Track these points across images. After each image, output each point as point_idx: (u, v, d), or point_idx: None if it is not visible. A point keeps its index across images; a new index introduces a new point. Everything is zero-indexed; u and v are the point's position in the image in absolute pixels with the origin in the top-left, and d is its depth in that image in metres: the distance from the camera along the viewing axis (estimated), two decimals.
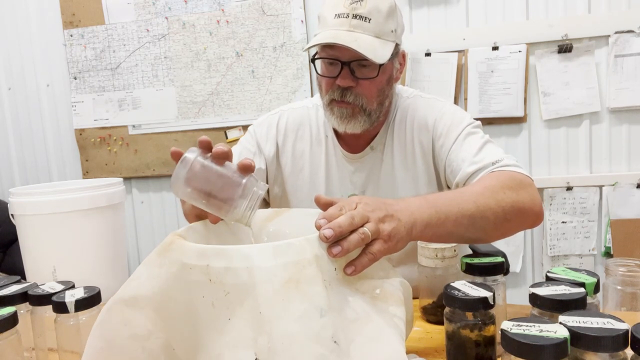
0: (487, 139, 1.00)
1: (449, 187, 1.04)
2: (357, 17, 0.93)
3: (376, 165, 1.09)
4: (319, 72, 1.02)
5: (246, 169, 0.66)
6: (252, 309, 0.53)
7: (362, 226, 0.60)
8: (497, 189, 0.82)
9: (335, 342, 0.52)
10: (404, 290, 0.65)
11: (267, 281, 0.53)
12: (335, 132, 1.10)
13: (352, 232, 0.59)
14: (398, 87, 1.13)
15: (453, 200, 0.77)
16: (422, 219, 0.69)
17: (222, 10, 2.07)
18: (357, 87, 0.97)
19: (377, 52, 0.93)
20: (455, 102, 1.89)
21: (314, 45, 0.96)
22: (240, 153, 1.11)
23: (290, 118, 1.15)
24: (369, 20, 0.93)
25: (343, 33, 0.92)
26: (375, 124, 1.04)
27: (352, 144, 1.10)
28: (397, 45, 0.99)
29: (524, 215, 0.84)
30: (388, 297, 0.62)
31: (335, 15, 0.94)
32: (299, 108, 1.17)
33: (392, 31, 0.96)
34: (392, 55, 0.96)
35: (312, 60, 1.01)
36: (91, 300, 0.70)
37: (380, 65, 0.94)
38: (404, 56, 1.06)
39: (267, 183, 1.14)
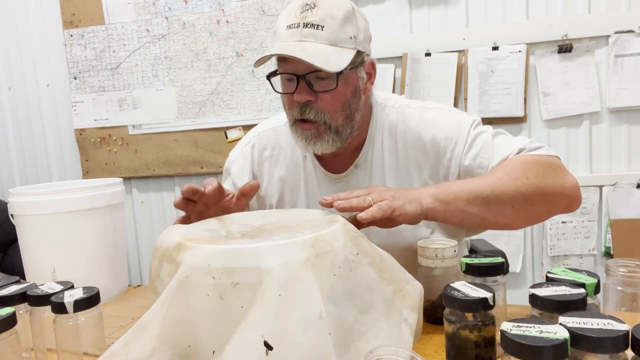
0: (494, 132, 0.94)
1: None
2: (309, 25, 0.85)
3: (365, 183, 0.99)
4: (277, 90, 0.95)
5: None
6: (262, 297, 0.54)
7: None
8: (518, 175, 0.81)
9: (329, 333, 0.54)
10: (420, 296, 0.67)
11: (275, 276, 0.55)
12: None
13: None
14: (381, 95, 1.04)
15: (466, 182, 0.81)
16: (429, 193, 0.76)
17: (222, 10, 2.07)
18: (316, 102, 0.89)
19: (331, 60, 0.84)
20: (455, 102, 1.89)
21: (261, 61, 0.89)
22: None
23: (260, 145, 1.09)
24: (322, 27, 0.85)
25: (292, 44, 0.85)
26: (349, 140, 0.95)
27: (334, 162, 1.01)
28: (360, 53, 0.90)
29: (552, 200, 0.83)
30: (407, 298, 0.64)
31: (287, 26, 0.87)
32: (267, 130, 1.09)
33: (350, 38, 0.87)
34: (354, 63, 0.88)
35: (268, 78, 0.93)
36: (90, 300, 0.70)
37: (339, 75, 0.86)
38: (372, 65, 0.95)
39: None
